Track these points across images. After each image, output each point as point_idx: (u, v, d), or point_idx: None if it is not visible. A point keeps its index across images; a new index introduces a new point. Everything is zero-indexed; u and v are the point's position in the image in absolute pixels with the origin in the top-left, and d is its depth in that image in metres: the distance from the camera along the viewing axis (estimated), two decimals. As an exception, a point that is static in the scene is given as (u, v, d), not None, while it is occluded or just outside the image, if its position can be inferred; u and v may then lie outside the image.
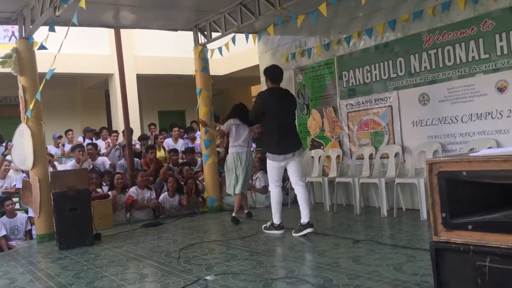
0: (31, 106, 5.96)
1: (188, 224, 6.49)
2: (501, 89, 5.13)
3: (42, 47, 5.56)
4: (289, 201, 7.05)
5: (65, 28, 5.18)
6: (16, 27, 6.46)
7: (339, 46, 6.97)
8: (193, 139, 9.78)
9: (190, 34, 7.91)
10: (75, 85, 13.89)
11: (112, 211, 6.67)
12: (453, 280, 1.86)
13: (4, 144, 8.64)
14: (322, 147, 7.34)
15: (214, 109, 7.83)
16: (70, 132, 10.01)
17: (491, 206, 1.81)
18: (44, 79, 5.46)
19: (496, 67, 5.14)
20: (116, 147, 9.28)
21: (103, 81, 12.70)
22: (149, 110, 14.55)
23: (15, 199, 7.24)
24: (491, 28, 5.15)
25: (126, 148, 8.28)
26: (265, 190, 7.42)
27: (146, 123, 11.93)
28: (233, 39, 7.10)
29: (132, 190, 7.06)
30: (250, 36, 7.05)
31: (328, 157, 7.11)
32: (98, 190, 7.08)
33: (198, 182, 7.74)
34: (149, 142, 9.41)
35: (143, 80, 12.69)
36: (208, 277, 3.65)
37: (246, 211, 6.54)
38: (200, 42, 7.71)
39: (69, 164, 8.15)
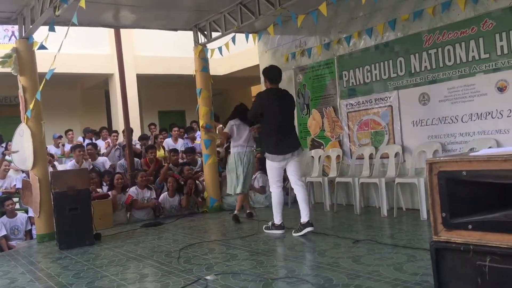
0: (31, 106, 5.96)
1: (188, 224, 6.49)
2: (501, 89, 5.13)
3: (42, 47, 5.56)
4: (289, 201, 7.04)
5: (65, 28, 5.18)
6: (16, 27, 6.46)
7: (339, 45, 6.97)
8: (193, 139, 9.78)
9: (190, 34, 7.90)
10: (75, 85, 13.88)
11: (112, 211, 6.67)
12: (453, 280, 1.86)
13: (4, 145, 8.64)
14: (322, 147, 7.34)
15: (214, 109, 7.83)
16: (70, 132, 10.02)
17: (491, 205, 1.81)
18: (44, 79, 5.46)
19: (496, 66, 5.14)
20: (116, 147, 9.28)
21: (103, 81, 12.69)
22: (149, 110, 14.53)
23: (15, 199, 7.24)
24: (491, 28, 5.15)
25: (126, 148, 8.28)
26: (263, 190, 7.42)
27: (146, 123, 11.93)
28: (233, 39, 7.10)
29: (132, 190, 7.06)
30: (250, 36, 7.04)
31: (328, 157, 7.11)
32: (98, 190, 7.08)
33: (198, 182, 7.74)
34: (149, 142, 9.41)
35: (143, 80, 12.68)
36: (208, 277, 3.65)
37: (247, 211, 6.54)
38: (200, 42, 7.71)
39: (69, 164, 8.15)
